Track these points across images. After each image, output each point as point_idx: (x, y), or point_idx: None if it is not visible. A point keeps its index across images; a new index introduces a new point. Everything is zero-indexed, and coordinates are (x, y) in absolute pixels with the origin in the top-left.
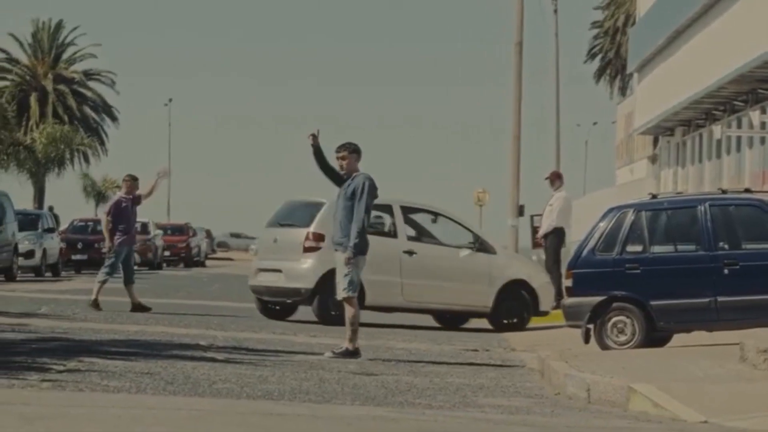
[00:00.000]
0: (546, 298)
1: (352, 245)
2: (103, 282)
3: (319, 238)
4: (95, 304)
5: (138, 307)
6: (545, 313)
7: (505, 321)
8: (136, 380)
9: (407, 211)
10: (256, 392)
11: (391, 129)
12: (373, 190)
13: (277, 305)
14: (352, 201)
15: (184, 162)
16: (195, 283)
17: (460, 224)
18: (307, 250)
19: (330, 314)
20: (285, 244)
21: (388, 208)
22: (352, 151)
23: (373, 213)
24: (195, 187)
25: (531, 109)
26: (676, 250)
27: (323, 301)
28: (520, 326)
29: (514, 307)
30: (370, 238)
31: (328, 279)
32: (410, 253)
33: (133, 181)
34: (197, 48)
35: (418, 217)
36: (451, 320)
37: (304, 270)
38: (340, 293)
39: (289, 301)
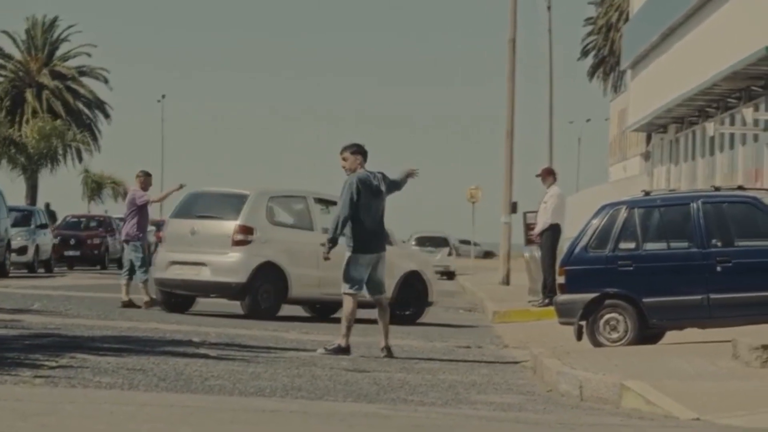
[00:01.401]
0: (434, 288)
1: (327, 240)
2: (146, 281)
3: (248, 231)
4: (151, 303)
5: (129, 304)
6: (431, 304)
7: (405, 312)
8: (129, 376)
9: (319, 202)
10: (249, 389)
11: (385, 125)
12: (349, 187)
13: (180, 298)
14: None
15: (177, 158)
16: None
17: None
18: (236, 243)
19: (260, 309)
20: (207, 237)
21: (303, 200)
22: (353, 152)
23: (292, 205)
24: (188, 183)
25: (524, 105)
26: (669, 248)
27: (254, 295)
28: (417, 317)
29: (411, 298)
30: (291, 231)
31: (258, 273)
32: None
33: (146, 176)
34: (191, 45)
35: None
36: (321, 310)
37: (234, 264)
38: (342, 288)
39: (213, 295)
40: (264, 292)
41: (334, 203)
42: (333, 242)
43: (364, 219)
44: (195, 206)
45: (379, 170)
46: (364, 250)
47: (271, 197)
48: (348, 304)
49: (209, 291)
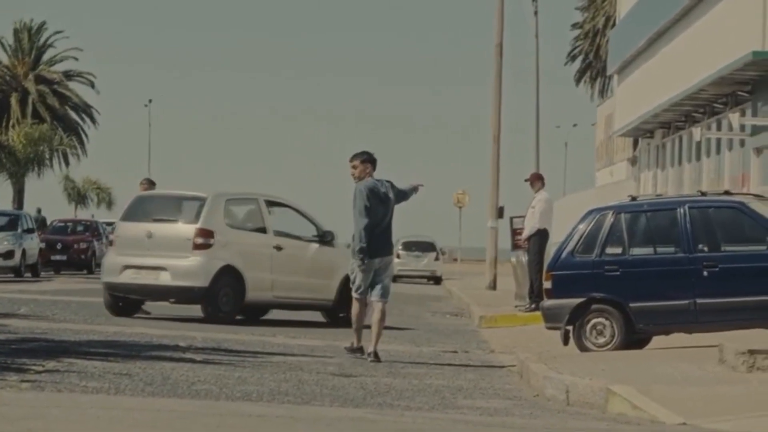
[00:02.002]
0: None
1: (355, 251)
2: None
3: (208, 234)
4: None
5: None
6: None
7: (342, 315)
8: (115, 381)
9: (270, 204)
10: (235, 393)
11: (370, 129)
12: (366, 197)
13: (127, 302)
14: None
15: (164, 162)
16: None
17: (305, 217)
18: (197, 247)
19: (220, 312)
20: (164, 241)
21: (255, 202)
22: (363, 160)
23: (245, 208)
24: (175, 188)
25: (511, 110)
26: (656, 252)
27: (215, 299)
28: None
29: (350, 299)
30: (246, 234)
31: (219, 277)
32: (279, 248)
33: (150, 184)
34: (178, 49)
35: (276, 210)
36: (250, 312)
37: (196, 268)
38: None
39: (172, 300)
40: (224, 296)
41: (282, 205)
42: (364, 252)
43: (361, 225)
44: (147, 209)
45: (387, 179)
46: (370, 255)
47: (227, 200)
48: (355, 307)
49: (169, 296)
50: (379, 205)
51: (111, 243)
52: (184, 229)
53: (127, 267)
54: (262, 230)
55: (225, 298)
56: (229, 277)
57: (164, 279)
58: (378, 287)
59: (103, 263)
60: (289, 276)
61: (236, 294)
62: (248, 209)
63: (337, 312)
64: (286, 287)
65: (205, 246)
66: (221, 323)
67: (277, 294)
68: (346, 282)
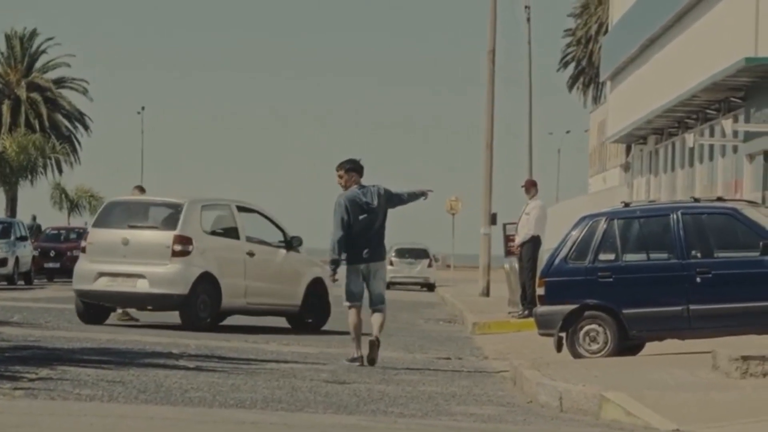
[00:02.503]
0: (332, 296)
1: (330, 261)
2: None
3: (187, 241)
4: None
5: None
6: (329, 312)
7: (309, 320)
8: (109, 389)
9: (241, 210)
10: (229, 401)
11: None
12: (338, 207)
13: (98, 309)
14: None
15: (158, 169)
16: None
17: (272, 222)
18: (176, 254)
19: (199, 320)
20: (142, 248)
21: (227, 208)
22: (348, 169)
23: (219, 214)
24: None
25: (504, 116)
26: (649, 259)
27: (193, 307)
28: (321, 324)
29: (314, 305)
30: (221, 240)
31: (198, 284)
32: (251, 254)
33: (141, 192)
34: (170, 56)
35: (246, 217)
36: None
37: (175, 275)
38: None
39: (150, 308)
40: (201, 302)
41: (251, 211)
42: (335, 263)
43: (351, 232)
44: (121, 216)
45: (377, 184)
46: (352, 260)
47: (203, 206)
48: (350, 316)
49: (147, 303)
50: (360, 214)
51: (83, 249)
52: (162, 235)
53: (102, 274)
54: (236, 236)
55: (202, 305)
56: (207, 284)
57: (142, 286)
58: (372, 296)
59: (75, 270)
60: (261, 282)
61: (213, 301)
62: (222, 215)
63: (303, 317)
64: (257, 293)
65: (184, 253)
66: (199, 330)
67: (250, 300)
68: (311, 287)
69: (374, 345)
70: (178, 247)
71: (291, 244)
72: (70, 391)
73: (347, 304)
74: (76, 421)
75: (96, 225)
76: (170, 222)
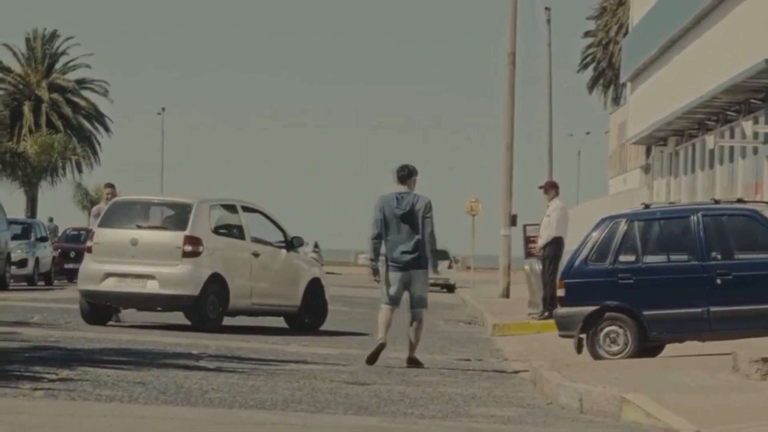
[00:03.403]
0: (329, 296)
1: (369, 261)
2: None
3: (197, 242)
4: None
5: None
6: (327, 312)
7: (306, 320)
8: (129, 389)
9: (246, 210)
10: (249, 402)
11: (384, 138)
12: (374, 206)
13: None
14: (410, 221)
15: (177, 170)
16: None
17: (274, 222)
18: (186, 255)
19: (208, 320)
20: (151, 248)
21: (233, 208)
22: (400, 177)
23: (226, 214)
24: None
25: (524, 118)
26: (669, 260)
27: (202, 308)
28: (318, 324)
29: (313, 305)
30: (228, 241)
31: (207, 285)
32: (256, 254)
33: (113, 189)
34: (190, 57)
35: (249, 217)
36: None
37: (186, 276)
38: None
39: (160, 309)
40: (210, 303)
41: (254, 211)
42: (371, 265)
43: (389, 238)
44: (129, 216)
45: (423, 196)
46: (392, 268)
47: (211, 206)
48: (381, 313)
49: (157, 304)
50: (393, 218)
51: (89, 249)
52: (172, 236)
53: (109, 275)
54: (241, 236)
55: (212, 306)
56: (216, 285)
57: (152, 287)
58: (413, 298)
59: (81, 271)
60: (265, 283)
61: (221, 302)
62: (228, 215)
63: (302, 318)
64: (262, 294)
65: (194, 254)
66: (208, 331)
67: (255, 301)
68: (309, 288)
69: (381, 348)
70: (188, 248)
71: (292, 244)
72: (91, 391)
73: (382, 305)
74: (96, 422)
75: (102, 225)
76: (179, 222)
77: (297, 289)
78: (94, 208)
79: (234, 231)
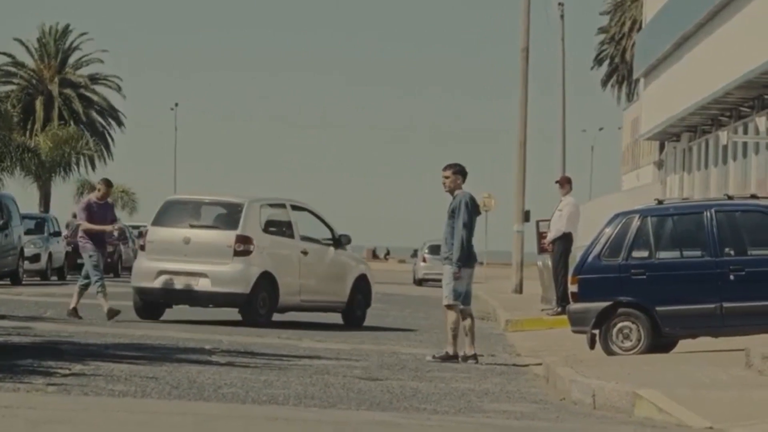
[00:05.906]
0: (374, 291)
1: (455, 260)
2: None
3: (248, 241)
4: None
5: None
6: (369, 306)
7: (359, 314)
8: (141, 384)
9: (295, 209)
10: (261, 397)
11: (397, 132)
12: (471, 207)
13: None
14: (453, 219)
15: (190, 166)
16: None
17: (322, 221)
18: (237, 253)
19: (259, 317)
20: (203, 246)
21: (283, 207)
22: (455, 171)
23: (276, 213)
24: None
25: (537, 114)
26: (682, 256)
27: (253, 305)
28: (362, 320)
29: (360, 301)
30: (278, 239)
31: (258, 283)
32: (305, 252)
33: (107, 185)
34: (203, 52)
35: (298, 215)
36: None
37: (237, 274)
38: (444, 300)
39: (211, 305)
40: (261, 300)
41: (303, 210)
42: (462, 262)
43: (466, 236)
44: (181, 214)
45: (467, 193)
46: (468, 264)
47: (261, 205)
48: (452, 315)
49: (209, 301)
50: (474, 216)
51: (142, 247)
52: (223, 235)
53: (162, 272)
54: (291, 235)
55: (262, 303)
56: (266, 282)
57: (204, 285)
58: (467, 294)
59: (135, 268)
60: (313, 280)
61: (271, 299)
62: (278, 214)
63: (349, 313)
64: (310, 291)
65: (246, 252)
66: (259, 327)
67: (304, 298)
68: (356, 284)
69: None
70: (239, 247)
71: (339, 241)
72: (103, 386)
73: (453, 302)
74: (109, 417)
75: (155, 223)
76: (231, 221)
77: (344, 285)
78: (83, 201)
79: (283, 229)
